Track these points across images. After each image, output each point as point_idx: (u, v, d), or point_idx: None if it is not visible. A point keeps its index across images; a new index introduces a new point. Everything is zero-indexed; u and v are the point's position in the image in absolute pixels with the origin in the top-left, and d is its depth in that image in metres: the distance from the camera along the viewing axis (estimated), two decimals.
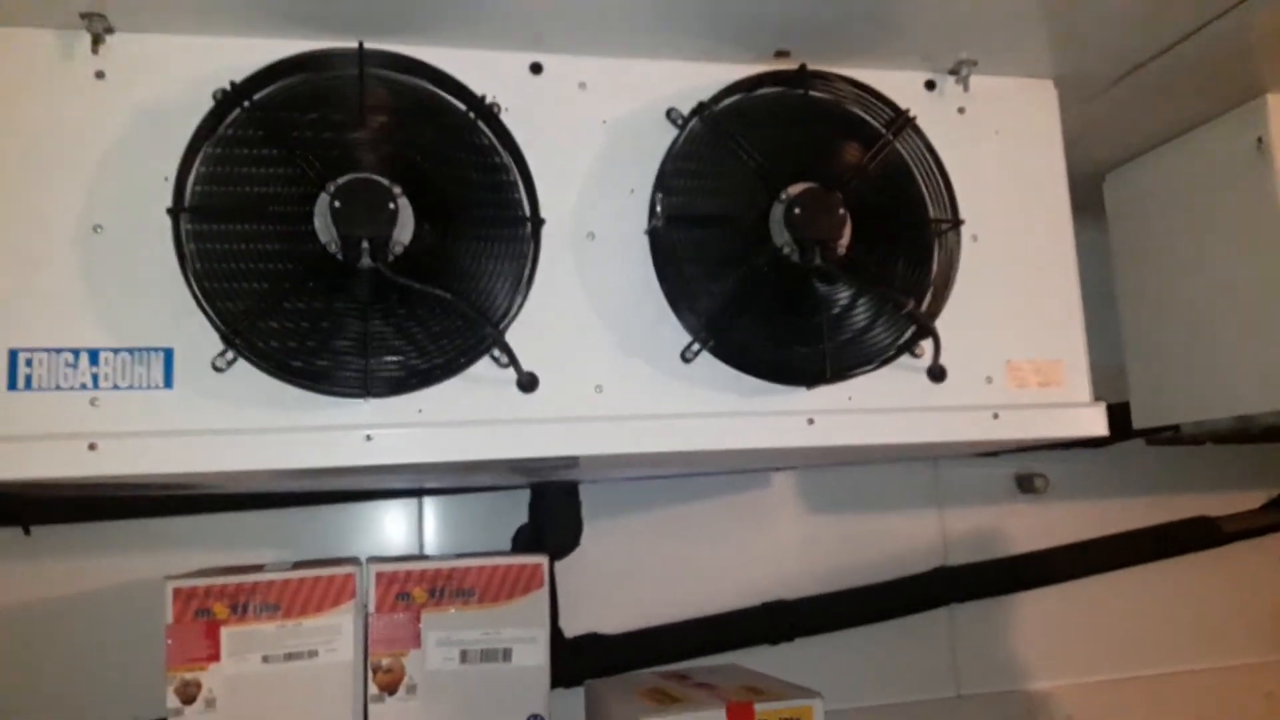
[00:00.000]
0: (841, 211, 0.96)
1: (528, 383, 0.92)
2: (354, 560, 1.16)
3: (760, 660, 1.42)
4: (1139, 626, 1.68)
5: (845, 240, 0.97)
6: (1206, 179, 1.30)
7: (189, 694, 1.07)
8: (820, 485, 1.59)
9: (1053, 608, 1.64)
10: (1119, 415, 1.45)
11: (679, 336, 0.96)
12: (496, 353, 0.91)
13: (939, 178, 1.02)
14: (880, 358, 0.98)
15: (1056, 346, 1.06)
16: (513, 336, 0.91)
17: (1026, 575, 1.62)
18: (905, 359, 1.00)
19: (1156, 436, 1.44)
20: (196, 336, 0.86)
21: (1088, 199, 1.47)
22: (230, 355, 0.86)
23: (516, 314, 0.92)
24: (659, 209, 0.96)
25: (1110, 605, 1.67)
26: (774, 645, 1.50)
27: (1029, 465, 1.66)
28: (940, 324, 0.99)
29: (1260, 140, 1.21)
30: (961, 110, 1.08)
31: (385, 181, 0.88)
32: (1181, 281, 1.36)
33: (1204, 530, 1.68)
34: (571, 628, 1.41)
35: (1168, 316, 1.38)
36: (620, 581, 1.48)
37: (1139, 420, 1.43)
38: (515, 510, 1.41)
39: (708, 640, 1.47)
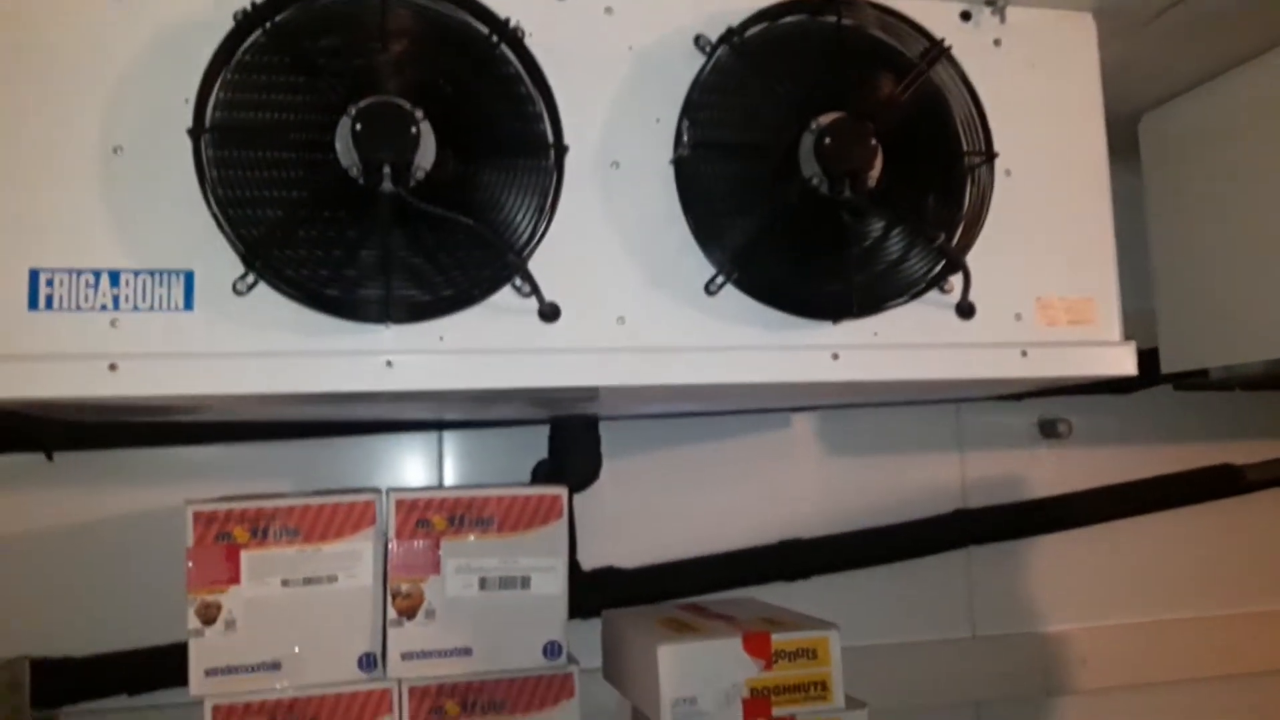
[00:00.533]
0: (873, 142, 0.94)
1: (549, 312, 0.91)
2: (374, 490, 1.17)
3: (777, 597, 1.42)
4: (1157, 572, 1.68)
5: (876, 172, 0.95)
6: (1247, 119, 1.27)
7: (209, 616, 1.08)
8: (840, 427, 1.58)
9: (1071, 552, 1.64)
10: (1145, 361, 1.43)
11: (703, 268, 0.95)
12: (518, 281, 0.90)
13: (973, 110, 0.99)
14: (908, 292, 0.97)
15: (1088, 284, 1.04)
16: (535, 265, 0.90)
17: (1046, 519, 1.62)
18: (933, 294, 0.98)
19: (1184, 381, 1.42)
20: (217, 259, 0.86)
21: (1122, 141, 1.44)
22: (251, 279, 0.86)
23: (539, 243, 0.90)
24: (685, 138, 0.94)
25: (1129, 550, 1.66)
26: (790, 582, 1.50)
27: (1053, 410, 1.64)
28: (970, 259, 0.98)
29: None
30: (997, 42, 1.05)
31: (407, 105, 0.86)
32: (1216, 224, 1.33)
33: (1227, 478, 1.67)
34: (589, 562, 1.42)
35: (1200, 259, 1.36)
36: (638, 518, 1.49)
37: (1167, 364, 1.41)
38: (534, 446, 1.41)
39: (724, 576, 1.47)
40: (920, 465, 1.61)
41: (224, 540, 1.09)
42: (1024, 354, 1.00)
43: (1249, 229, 1.27)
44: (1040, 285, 1.03)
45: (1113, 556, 1.66)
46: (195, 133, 0.84)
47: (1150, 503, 1.65)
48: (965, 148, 0.99)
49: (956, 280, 0.98)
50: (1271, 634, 1.71)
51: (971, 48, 1.02)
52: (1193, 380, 1.40)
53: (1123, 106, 1.38)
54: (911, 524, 1.57)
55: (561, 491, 1.19)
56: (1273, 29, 1.18)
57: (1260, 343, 1.25)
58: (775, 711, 1.15)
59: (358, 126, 0.84)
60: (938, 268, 0.98)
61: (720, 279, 0.94)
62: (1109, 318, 1.04)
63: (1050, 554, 1.64)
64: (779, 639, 1.16)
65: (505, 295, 0.91)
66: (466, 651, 1.14)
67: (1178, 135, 1.40)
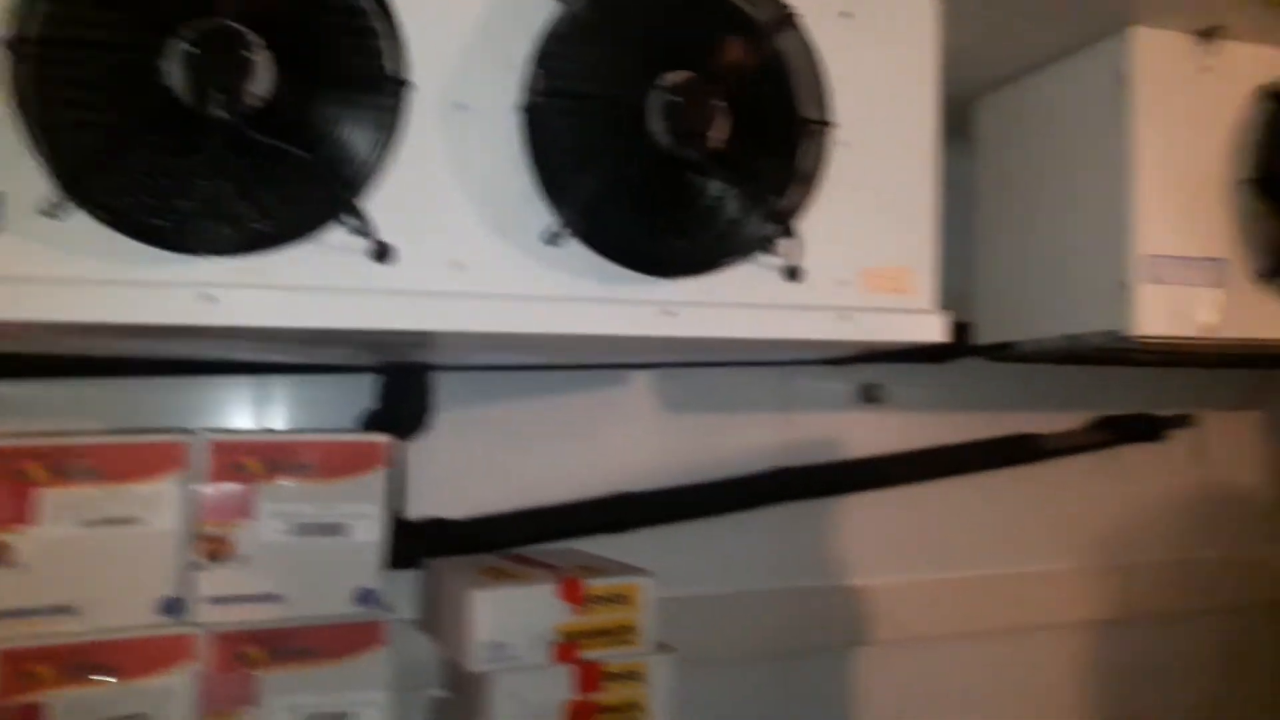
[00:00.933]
0: (719, 104, 0.95)
1: (382, 253, 0.88)
2: (185, 430, 1.12)
3: (606, 549, 1.44)
4: (960, 532, 1.79)
5: (720, 134, 0.96)
6: (1069, 109, 1.35)
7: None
8: (675, 386, 1.61)
9: (882, 511, 1.73)
10: (959, 333, 1.52)
11: (544, 218, 0.94)
12: (351, 219, 0.87)
13: (816, 79, 1.01)
14: (744, 253, 0.99)
15: (909, 255, 1.08)
16: (371, 204, 0.87)
17: (860, 479, 1.70)
18: (765, 256, 1.01)
19: (995, 353, 1.51)
20: (31, 180, 0.79)
21: (958, 124, 1.51)
22: (66, 203, 0.80)
23: (376, 181, 0.88)
24: (535, 85, 0.92)
25: (936, 511, 1.76)
26: (618, 534, 1.52)
27: (873, 376, 1.72)
28: (802, 224, 1.01)
29: (1120, 73, 1.25)
30: (845, 14, 1.08)
31: (243, 29, 0.81)
32: (1031, 208, 1.41)
33: (1026, 446, 1.79)
34: (420, 513, 1.41)
35: (1017, 240, 1.44)
36: (472, 471, 1.48)
37: (981, 336, 1.50)
38: (362, 394, 1.38)
39: (554, 528, 1.48)
40: (748, 424, 1.66)
41: (19, 478, 1.03)
42: (846, 318, 1.04)
43: (1058, 214, 1.36)
44: (865, 253, 1.07)
45: (920, 516, 1.75)
46: (10, 43, 0.77)
47: (956, 466, 1.75)
48: (806, 115, 1.01)
49: (788, 244, 1.01)
50: (1057, 591, 1.85)
51: (819, 17, 1.03)
52: (1002, 352, 1.50)
53: (959, 89, 1.44)
54: (734, 479, 1.62)
55: (382, 439, 1.17)
56: (1094, 23, 1.25)
57: (1061, 319, 1.35)
58: (583, 655, 1.18)
59: (191, 49, 0.80)
60: (772, 231, 1.00)
61: (562, 230, 0.94)
62: (926, 287, 1.09)
63: (864, 512, 1.72)
64: (591, 584, 1.18)
65: (338, 233, 0.88)
66: (277, 598, 1.11)
67: (1008, 120, 1.48)
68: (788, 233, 1.01)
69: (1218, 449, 1.95)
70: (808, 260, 1.02)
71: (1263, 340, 1.29)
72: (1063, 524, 1.87)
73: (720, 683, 1.60)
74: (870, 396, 1.72)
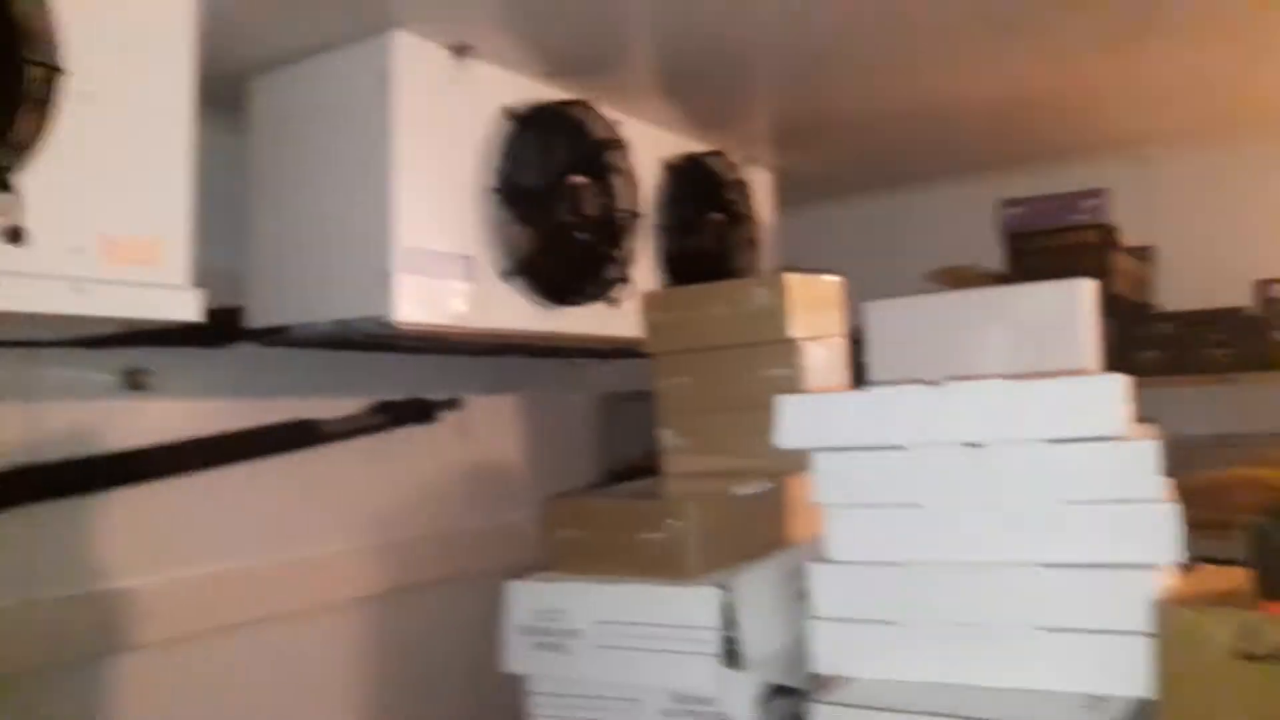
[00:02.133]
0: None
1: None
2: None
3: None
4: (235, 522, 1.73)
5: None
6: (338, 100, 1.38)
7: None
8: None
9: (150, 506, 1.60)
10: (234, 317, 1.47)
11: None
12: None
13: (44, 20, 0.89)
14: None
15: (158, 226, 1.01)
16: None
17: (121, 473, 1.55)
18: None
19: (269, 337, 1.49)
20: None
21: (234, 101, 1.45)
22: None
23: None
24: None
25: (208, 503, 1.68)
26: None
27: (138, 360, 1.58)
28: (28, 180, 0.88)
29: (382, 73, 1.31)
30: None
31: None
32: (303, 192, 1.42)
33: (305, 431, 1.80)
34: None
35: (288, 223, 1.44)
36: None
37: (254, 319, 1.47)
38: None
39: None
40: None
41: None
42: (80, 290, 0.94)
43: (327, 202, 1.38)
44: (107, 221, 0.97)
45: (190, 509, 1.66)
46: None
47: (230, 455, 1.69)
48: (29, 56, 0.88)
49: (7, 201, 0.87)
50: (335, 571, 1.89)
51: None
52: (275, 336, 1.48)
53: (233, 65, 1.39)
54: None
55: None
56: (362, 20, 1.29)
57: (331, 305, 1.38)
58: None
59: None
60: None
61: None
62: (179, 262, 1.03)
63: (128, 509, 1.57)
64: None
65: None
66: None
67: (281, 103, 1.46)
68: (5, 187, 0.87)
69: (480, 428, 2.16)
70: (35, 222, 0.89)
71: (506, 330, 1.46)
72: (341, 506, 1.92)
73: None
74: (134, 383, 1.57)
